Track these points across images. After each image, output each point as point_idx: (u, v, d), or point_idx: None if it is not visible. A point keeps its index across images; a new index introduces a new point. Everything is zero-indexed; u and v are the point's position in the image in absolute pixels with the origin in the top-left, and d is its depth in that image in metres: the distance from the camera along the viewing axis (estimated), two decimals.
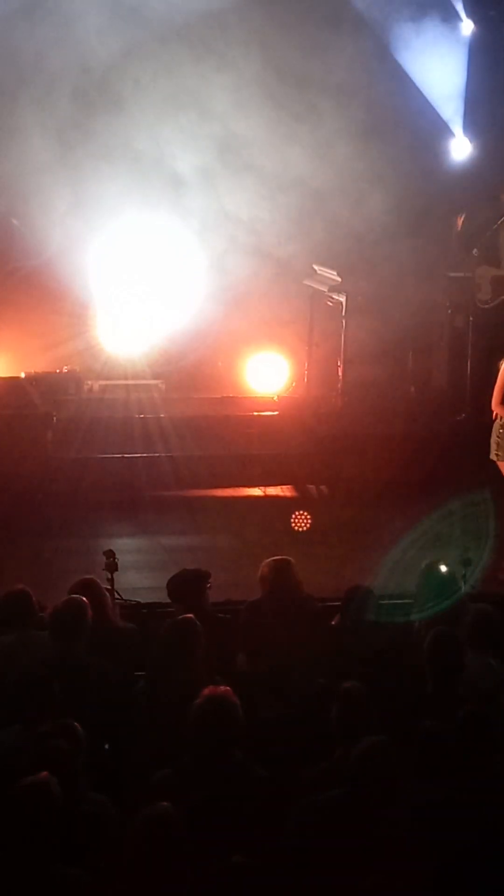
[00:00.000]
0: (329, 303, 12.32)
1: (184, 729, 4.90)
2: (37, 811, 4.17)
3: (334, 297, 12.11)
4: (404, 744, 4.89)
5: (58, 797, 4.23)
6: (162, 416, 11.60)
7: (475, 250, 11.80)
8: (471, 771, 4.80)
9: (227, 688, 4.98)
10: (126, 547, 9.19)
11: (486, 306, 11.94)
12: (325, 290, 12.30)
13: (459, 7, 13.57)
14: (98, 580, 6.72)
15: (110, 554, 7.23)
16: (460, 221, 11.99)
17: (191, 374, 12.72)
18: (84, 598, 6.03)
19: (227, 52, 12.22)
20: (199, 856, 4.10)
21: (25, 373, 12.26)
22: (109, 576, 7.09)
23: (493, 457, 8.95)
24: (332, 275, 12.25)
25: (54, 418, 11.33)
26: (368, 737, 4.61)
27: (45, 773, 4.28)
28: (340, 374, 12.21)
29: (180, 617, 5.95)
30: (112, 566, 7.17)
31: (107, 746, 5.19)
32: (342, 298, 12.01)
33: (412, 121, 13.25)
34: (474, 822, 4.59)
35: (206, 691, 4.92)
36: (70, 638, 5.82)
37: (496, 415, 8.85)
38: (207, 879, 3.98)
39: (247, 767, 4.82)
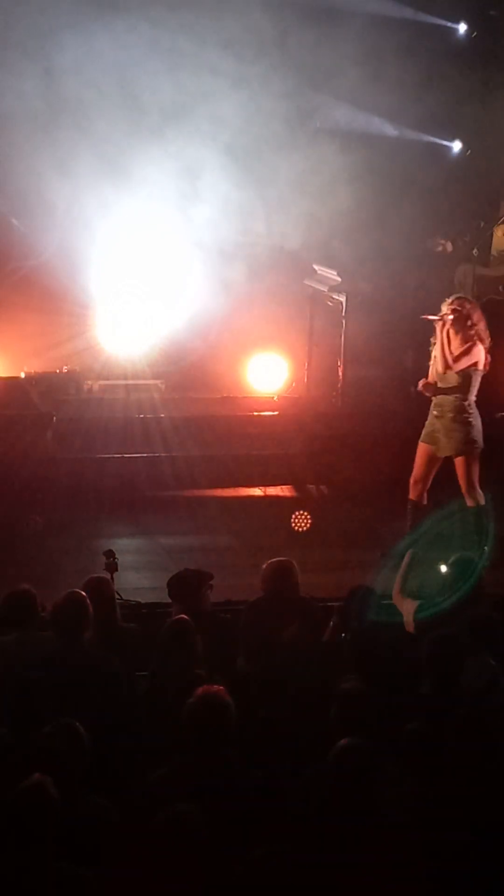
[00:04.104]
0: (329, 303, 12.31)
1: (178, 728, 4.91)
2: (34, 813, 4.17)
3: (334, 297, 12.11)
4: (400, 745, 4.90)
5: (55, 799, 4.22)
6: (162, 416, 11.60)
7: (475, 250, 11.82)
8: (466, 772, 4.80)
9: (221, 687, 4.98)
10: (126, 547, 9.19)
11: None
12: (325, 290, 12.30)
13: (459, 7, 13.61)
14: (108, 580, 6.74)
15: (110, 554, 7.24)
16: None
17: (191, 374, 12.72)
18: (84, 593, 6.05)
19: (228, 51, 12.22)
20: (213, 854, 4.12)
21: (25, 373, 12.26)
22: (109, 576, 7.09)
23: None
24: (332, 275, 12.25)
25: (54, 418, 11.33)
26: (348, 739, 4.60)
27: (41, 775, 4.28)
28: (340, 374, 12.21)
29: (175, 618, 5.95)
30: (112, 566, 7.17)
31: (108, 746, 5.17)
32: (342, 298, 12.01)
33: (411, 122, 13.27)
34: (469, 824, 4.59)
35: (199, 690, 4.93)
36: (72, 632, 5.82)
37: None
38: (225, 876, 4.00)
39: (239, 767, 4.83)
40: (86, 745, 4.69)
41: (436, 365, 8.85)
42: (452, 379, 8.76)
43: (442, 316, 8.69)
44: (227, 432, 11.52)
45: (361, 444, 11.29)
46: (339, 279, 12.11)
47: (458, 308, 8.70)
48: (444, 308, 8.76)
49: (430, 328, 12.78)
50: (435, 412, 8.87)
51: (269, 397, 12.65)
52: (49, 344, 12.32)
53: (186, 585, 6.60)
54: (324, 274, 12.48)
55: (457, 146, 13.74)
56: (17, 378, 12.13)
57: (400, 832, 4.43)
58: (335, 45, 12.42)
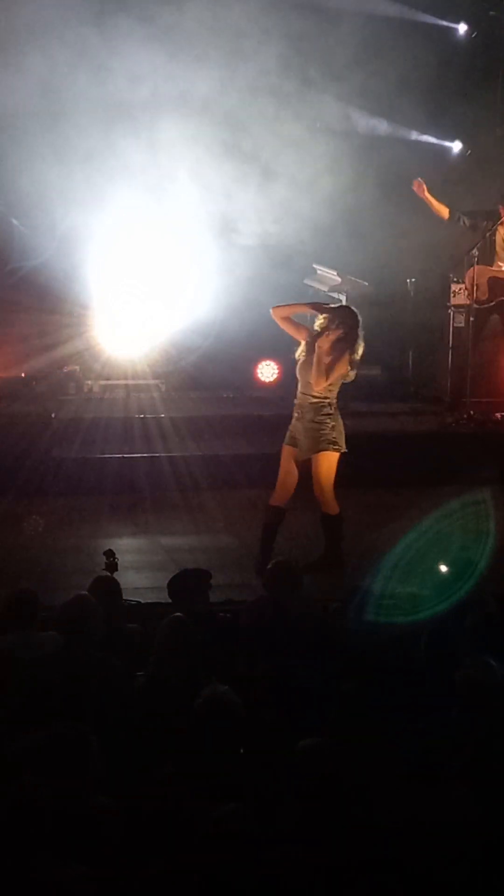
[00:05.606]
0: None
1: (183, 728, 4.91)
2: (25, 815, 4.16)
3: (334, 297, 12.12)
4: (402, 745, 4.90)
5: (47, 800, 4.21)
6: (162, 416, 11.61)
7: (475, 251, 11.82)
8: (465, 771, 4.80)
9: (227, 687, 4.98)
10: (126, 547, 9.19)
11: (483, 307, 11.96)
12: (326, 290, 12.30)
13: (459, 7, 13.61)
14: (115, 579, 6.74)
15: (110, 554, 7.24)
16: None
17: (191, 374, 12.73)
18: (91, 595, 6.06)
19: (226, 50, 12.22)
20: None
21: (25, 373, 12.26)
22: (109, 576, 7.09)
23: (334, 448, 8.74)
24: (332, 275, 12.25)
25: (54, 418, 11.34)
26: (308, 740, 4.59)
27: (31, 777, 4.27)
28: None
29: (171, 616, 5.95)
30: (112, 566, 7.17)
31: (110, 746, 5.18)
32: (342, 298, 12.01)
33: (411, 122, 13.28)
34: (468, 824, 4.59)
35: (206, 691, 4.92)
36: (76, 632, 5.83)
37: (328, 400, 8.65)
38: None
39: (244, 767, 4.83)
40: (89, 746, 4.69)
41: (303, 367, 8.73)
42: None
43: (327, 327, 8.60)
44: (227, 432, 11.53)
45: (361, 444, 11.27)
46: (339, 279, 12.11)
47: (339, 320, 8.60)
48: (331, 310, 8.71)
49: (429, 329, 12.88)
50: (295, 414, 8.77)
51: (270, 397, 12.65)
52: (49, 344, 12.33)
53: (186, 585, 6.61)
54: (324, 274, 12.49)
55: (457, 146, 13.74)
56: (17, 378, 12.14)
57: (393, 834, 4.42)
58: (335, 45, 12.43)
